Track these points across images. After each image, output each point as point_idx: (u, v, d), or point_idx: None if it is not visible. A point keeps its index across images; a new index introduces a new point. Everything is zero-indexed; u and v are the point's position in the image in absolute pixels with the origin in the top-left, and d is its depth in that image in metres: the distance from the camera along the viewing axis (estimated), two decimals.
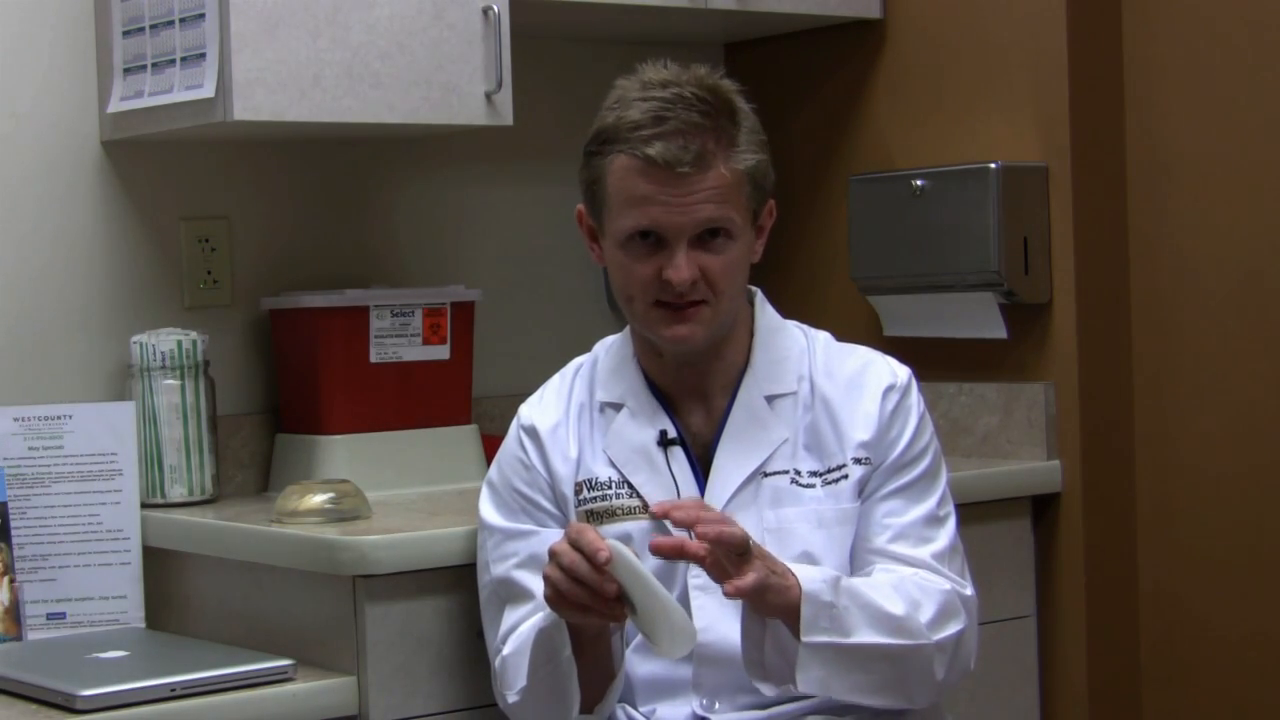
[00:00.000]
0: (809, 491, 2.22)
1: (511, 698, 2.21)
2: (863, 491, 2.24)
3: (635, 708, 2.23)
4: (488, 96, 2.79)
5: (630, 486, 2.24)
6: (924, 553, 2.22)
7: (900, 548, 2.22)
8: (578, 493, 2.27)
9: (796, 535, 2.20)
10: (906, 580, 2.18)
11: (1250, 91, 2.89)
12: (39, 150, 2.79)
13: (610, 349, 2.36)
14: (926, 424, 2.29)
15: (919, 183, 3.02)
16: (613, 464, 2.26)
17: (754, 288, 2.33)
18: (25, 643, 2.53)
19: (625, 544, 2.05)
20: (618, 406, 2.29)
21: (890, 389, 2.26)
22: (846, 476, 2.23)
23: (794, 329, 2.33)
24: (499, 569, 2.26)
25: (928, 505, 2.25)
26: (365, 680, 2.32)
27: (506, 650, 2.23)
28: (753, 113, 2.22)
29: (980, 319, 3.01)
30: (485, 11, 2.78)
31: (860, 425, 2.24)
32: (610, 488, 2.25)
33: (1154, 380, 3.00)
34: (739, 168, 2.16)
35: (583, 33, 3.24)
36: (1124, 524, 3.01)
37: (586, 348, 2.44)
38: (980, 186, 2.94)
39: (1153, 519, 3.01)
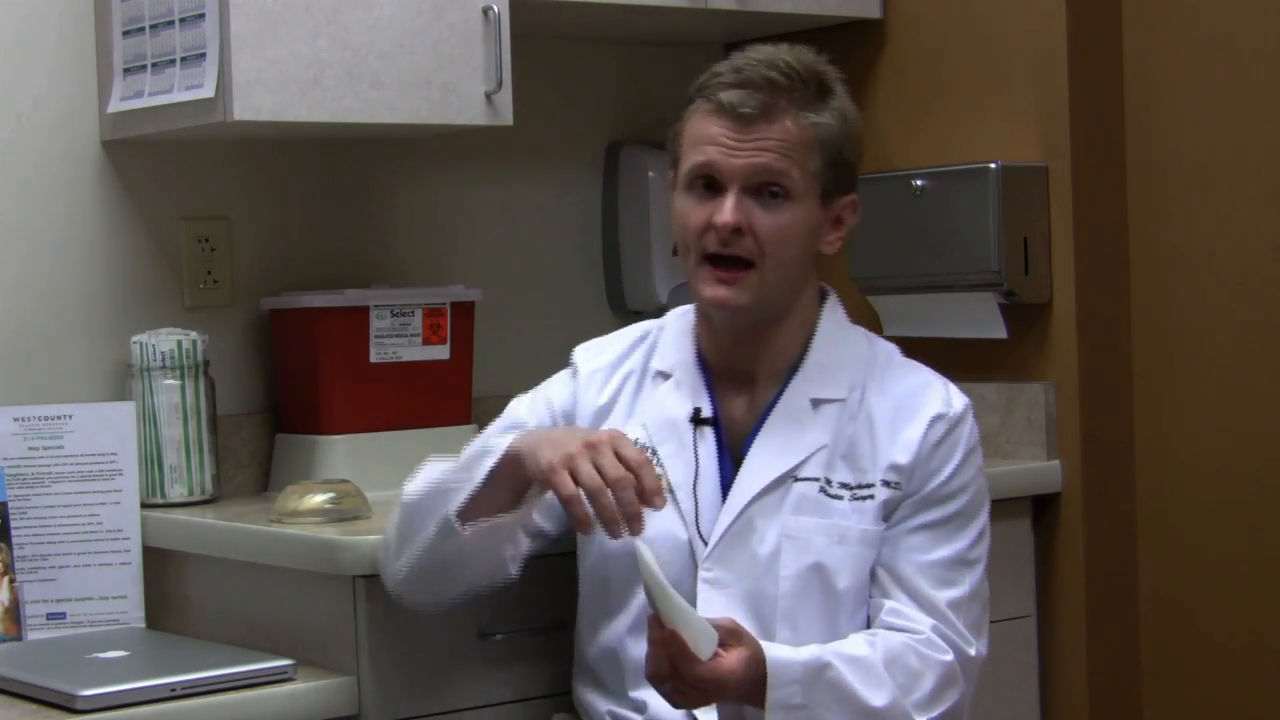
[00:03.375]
0: (836, 503, 2.19)
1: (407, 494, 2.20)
2: (889, 516, 2.20)
3: (627, 692, 2.23)
4: (488, 96, 2.79)
5: (655, 455, 2.24)
6: (941, 596, 2.18)
7: (919, 585, 2.18)
8: None
9: (813, 546, 2.18)
10: (909, 650, 2.14)
11: (1250, 91, 2.89)
12: (39, 150, 2.79)
13: (677, 318, 2.35)
14: (972, 462, 2.24)
15: (919, 183, 3.02)
16: (645, 429, 2.26)
17: (829, 288, 2.31)
18: (25, 643, 2.53)
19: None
20: (666, 376, 2.29)
21: (939, 418, 2.22)
22: (873, 497, 2.19)
23: (860, 336, 2.30)
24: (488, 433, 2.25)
25: (956, 546, 2.21)
26: (365, 680, 2.32)
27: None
28: (853, 106, 2.23)
29: (980, 319, 3.01)
30: (485, 11, 2.78)
31: (899, 449, 2.20)
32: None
33: (1154, 380, 3.00)
34: (808, 126, 2.16)
35: (583, 33, 3.25)
36: (1124, 524, 3.01)
37: None
38: (980, 186, 2.94)
39: (1152, 519, 3.01)
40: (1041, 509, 2.99)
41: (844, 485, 2.20)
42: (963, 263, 2.97)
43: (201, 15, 2.61)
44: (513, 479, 2.13)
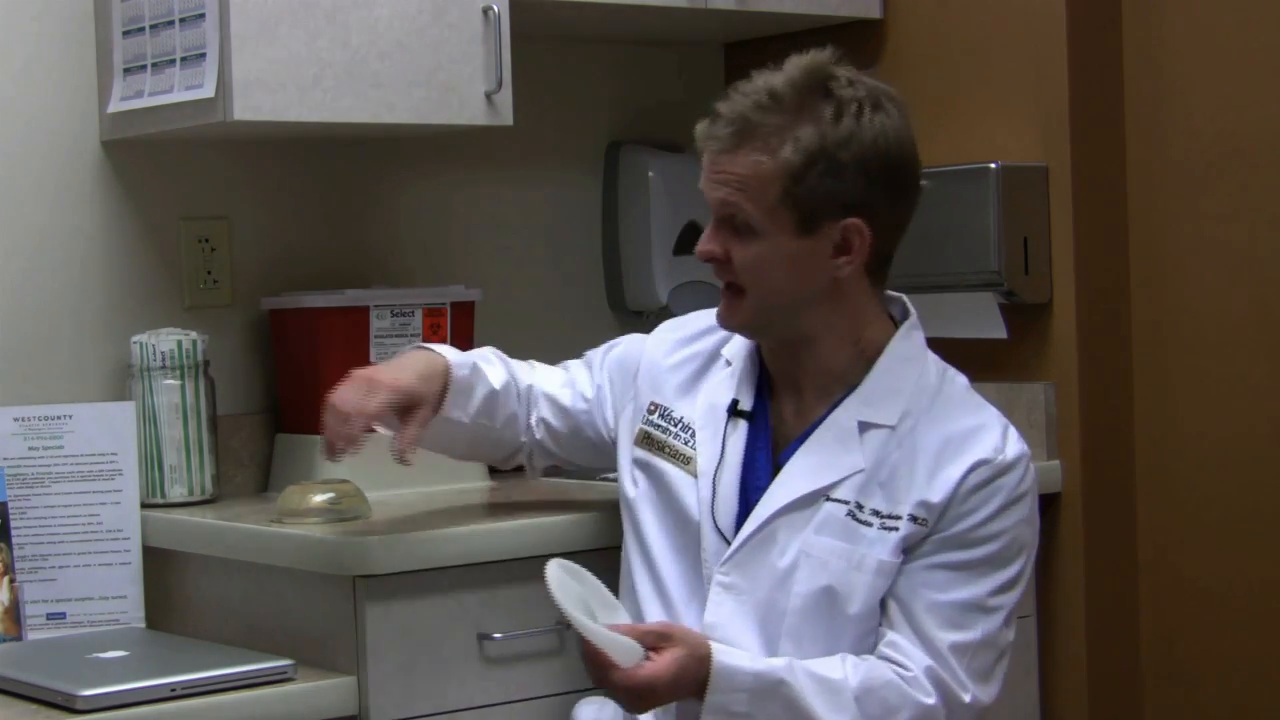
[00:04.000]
0: (864, 529, 2.16)
1: None
2: (910, 550, 2.17)
3: None
4: (488, 96, 2.79)
5: (693, 438, 2.27)
6: (945, 638, 2.13)
7: (925, 622, 2.14)
8: (650, 410, 2.33)
9: (829, 569, 2.16)
10: (891, 685, 2.11)
11: (1251, 90, 2.89)
12: (39, 150, 2.79)
13: None
14: (1014, 511, 2.18)
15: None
16: (694, 409, 2.29)
17: (911, 308, 2.29)
18: (25, 643, 2.53)
19: (653, 490, 2.22)
20: (729, 364, 2.32)
21: (982, 464, 2.16)
22: (897, 529, 2.16)
23: (931, 365, 2.27)
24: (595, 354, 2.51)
25: (975, 591, 2.15)
26: (365, 680, 2.32)
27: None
28: (871, 126, 2.16)
29: (980, 319, 3.01)
30: (485, 11, 2.78)
31: (935, 487, 2.16)
32: (676, 426, 2.29)
33: (1154, 380, 3.00)
34: (758, 162, 2.14)
35: (583, 33, 3.25)
36: (1124, 524, 3.01)
37: (587, 347, 2.45)
38: (980, 186, 2.94)
39: (1153, 519, 3.01)
40: (1041, 509, 2.98)
41: (875, 513, 2.17)
42: (963, 263, 2.97)
43: (201, 15, 2.61)
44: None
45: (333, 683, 2.32)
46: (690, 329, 2.40)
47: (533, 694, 2.42)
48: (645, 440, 2.32)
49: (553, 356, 2.57)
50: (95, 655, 2.38)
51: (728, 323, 2.24)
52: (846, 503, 2.17)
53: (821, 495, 2.18)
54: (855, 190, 2.17)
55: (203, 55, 2.61)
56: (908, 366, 2.24)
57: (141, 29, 2.71)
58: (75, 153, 2.82)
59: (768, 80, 2.17)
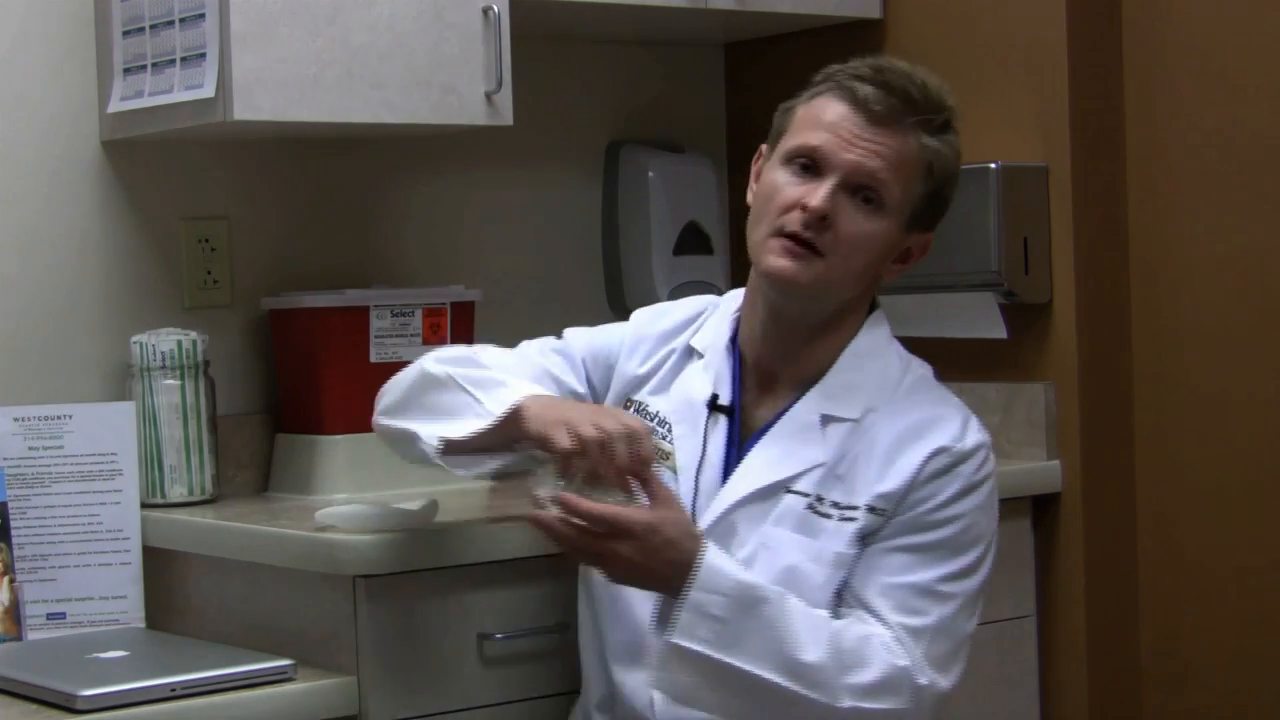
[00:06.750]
0: (824, 521, 2.15)
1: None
2: (866, 540, 2.14)
3: (610, 666, 2.23)
4: (488, 96, 2.79)
5: (670, 432, 2.25)
6: (896, 620, 2.10)
7: (879, 606, 2.11)
8: (626, 407, 2.29)
9: (786, 561, 2.14)
10: (869, 640, 2.08)
11: (1250, 90, 2.89)
12: (39, 150, 2.79)
13: (731, 299, 2.34)
14: (971, 497, 2.15)
15: None
16: (669, 403, 2.27)
17: (879, 309, 2.28)
18: (25, 643, 2.53)
19: None
20: (700, 355, 2.29)
21: (942, 451, 2.14)
22: (855, 520, 2.14)
23: (894, 358, 2.25)
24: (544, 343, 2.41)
25: (926, 575, 2.12)
26: (365, 680, 2.32)
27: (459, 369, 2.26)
28: (959, 166, 2.21)
29: (980, 319, 3.01)
30: (485, 11, 2.78)
31: (893, 475, 2.14)
32: (653, 421, 2.25)
33: (1154, 380, 3.00)
34: (926, 148, 2.15)
35: (583, 33, 3.25)
36: (1124, 524, 3.01)
37: None
38: (980, 186, 2.94)
39: (1152, 519, 3.01)
40: (1041, 509, 2.99)
41: (835, 505, 2.15)
42: (963, 263, 2.97)
43: (201, 15, 2.61)
44: (507, 432, 2.14)
45: (332, 683, 2.32)
46: (667, 323, 2.36)
47: (533, 694, 2.42)
48: None
49: None
50: (95, 655, 2.38)
51: (791, 274, 2.13)
52: (807, 495, 2.16)
53: (781, 488, 2.17)
54: (941, 214, 2.23)
55: (203, 55, 2.61)
56: (870, 361, 2.23)
57: (141, 29, 2.72)
58: (75, 153, 2.82)
59: (911, 73, 2.17)
